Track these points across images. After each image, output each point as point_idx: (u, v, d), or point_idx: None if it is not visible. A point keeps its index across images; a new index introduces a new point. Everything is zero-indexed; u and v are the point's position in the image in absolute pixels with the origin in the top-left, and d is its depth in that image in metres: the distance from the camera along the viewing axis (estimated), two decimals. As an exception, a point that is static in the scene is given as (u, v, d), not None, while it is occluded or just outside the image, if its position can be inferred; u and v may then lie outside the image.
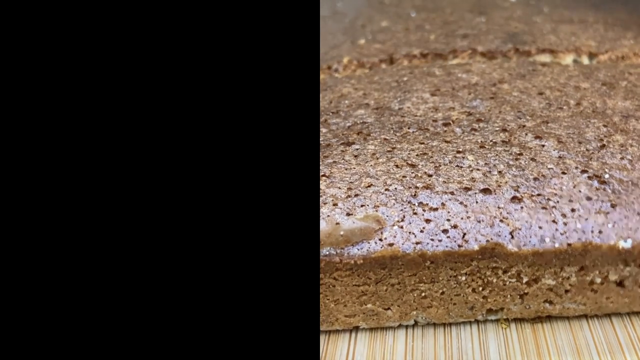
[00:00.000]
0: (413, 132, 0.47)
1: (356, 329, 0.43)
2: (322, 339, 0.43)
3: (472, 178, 0.42)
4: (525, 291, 0.41)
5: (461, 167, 0.43)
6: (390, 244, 0.39)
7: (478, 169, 0.43)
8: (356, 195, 0.41)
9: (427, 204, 0.40)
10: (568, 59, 0.62)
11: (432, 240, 0.39)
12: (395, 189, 0.41)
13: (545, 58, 0.62)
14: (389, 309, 0.42)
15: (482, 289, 0.41)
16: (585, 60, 0.62)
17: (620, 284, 0.41)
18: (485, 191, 0.41)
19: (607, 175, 0.42)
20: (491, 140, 0.45)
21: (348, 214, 0.40)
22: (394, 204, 0.40)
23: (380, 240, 0.39)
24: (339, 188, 0.41)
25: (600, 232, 0.39)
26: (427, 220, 0.40)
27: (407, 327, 0.44)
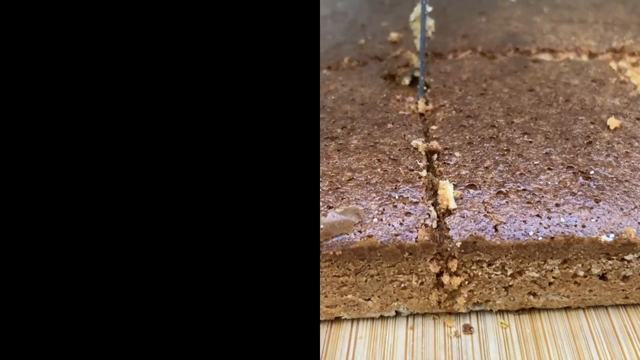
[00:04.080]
0: (397, 127, 0.47)
1: (357, 329, 0.43)
2: (322, 340, 0.42)
3: (458, 174, 0.42)
4: (510, 283, 0.41)
5: (447, 164, 0.43)
6: (369, 236, 0.39)
7: (465, 165, 0.43)
8: (337, 188, 0.41)
9: (407, 198, 0.41)
10: (567, 59, 0.62)
11: (411, 232, 0.39)
12: (376, 182, 0.42)
13: (545, 57, 0.62)
14: (369, 299, 0.42)
15: (468, 283, 0.41)
16: (584, 59, 0.62)
17: (602, 277, 0.41)
18: (471, 186, 0.41)
19: (592, 172, 0.42)
20: (479, 137, 0.46)
21: (328, 207, 0.40)
22: (374, 197, 0.41)
23: (360, 232, 0.39)
24: (321, 181, 0.42)
25: (583, 226, 0.39)
26: (407, 214, 0.40)
27: (407, 326, 0.43)
